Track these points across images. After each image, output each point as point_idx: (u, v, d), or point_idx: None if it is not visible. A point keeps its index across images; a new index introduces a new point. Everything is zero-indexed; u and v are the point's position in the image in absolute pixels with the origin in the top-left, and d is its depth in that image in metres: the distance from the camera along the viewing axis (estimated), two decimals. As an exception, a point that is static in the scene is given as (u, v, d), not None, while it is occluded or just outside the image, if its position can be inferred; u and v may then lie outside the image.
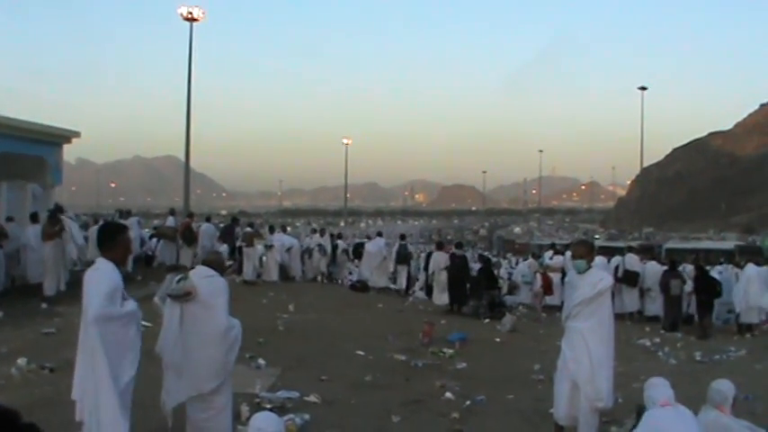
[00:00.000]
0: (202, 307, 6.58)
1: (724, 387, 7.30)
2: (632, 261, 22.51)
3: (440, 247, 24.15)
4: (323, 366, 11.45)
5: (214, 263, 7.15)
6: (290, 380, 10.11)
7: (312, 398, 9.28)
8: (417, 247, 56.45)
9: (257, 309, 16.69)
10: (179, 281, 6.72)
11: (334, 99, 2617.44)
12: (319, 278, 25.01)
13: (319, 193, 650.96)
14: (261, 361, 11.02)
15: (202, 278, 6.78)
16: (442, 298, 21.40)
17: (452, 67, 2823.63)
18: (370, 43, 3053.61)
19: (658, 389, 6.45)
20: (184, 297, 6.59)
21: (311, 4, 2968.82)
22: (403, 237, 27.35)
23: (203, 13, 42.74)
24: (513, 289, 26.41)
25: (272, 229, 26.59)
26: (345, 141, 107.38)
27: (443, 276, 21.39)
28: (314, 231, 28.38)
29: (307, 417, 8.31)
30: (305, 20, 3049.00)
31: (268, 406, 8.41)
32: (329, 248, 25.29)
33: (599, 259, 23.15)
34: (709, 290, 20.36)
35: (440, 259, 22.04)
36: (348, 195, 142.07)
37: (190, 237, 23.20)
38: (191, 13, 41.81)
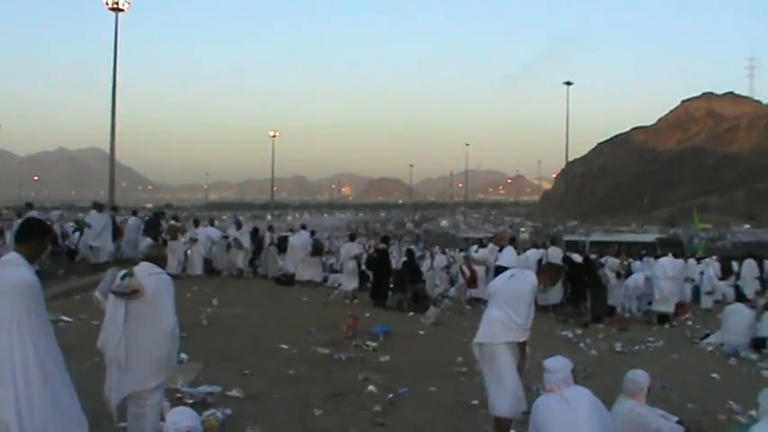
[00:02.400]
0: (148, 305, 6.50)
1: (639, 377, 7.48)
2: (555, 254, 22.85)
3: (352, 238, 26.89)
4: (246, 360, 11.40)
5: (158, 258, 7.07)
6: (213, 374, 10.03)
7: (234, 392, 9.22)
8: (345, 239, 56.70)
9: (180, 303, 16.15)
10: (123, 277, 6.59)
11: (262, 91, 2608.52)
12: (245, 272, 24.81)
13: (246, 186, 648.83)
14: (183, 356, 10.88)
15: (148, 275, 6.65)
16: (350, 284, 22.50)
17: (379, 60, 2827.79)
18: (296, 35, 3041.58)
19: (548, 375, 6.49)
20: (130, 295, 6.49)
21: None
22: (313, 232, 27.32)
23: (129, 4, 42.31)
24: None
25: (196, 223, 26.40)
26: (272, 134, 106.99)
27: (351, 265, 22.82)
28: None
29: (228, 411, 8.28)
30: (232, 12, 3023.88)
31: (189, 401, 8.35)
32: (247, 242, 24.95)
33: (532, 252, 23.56)
34: (588, 277, 21.19)
35: (349, 249, 23.80)
36: (275, 188, 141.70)
37: (114, 230, 22.92)
38: (116, 3, 41.35)
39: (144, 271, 6.72)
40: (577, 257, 23.17)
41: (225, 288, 20.63)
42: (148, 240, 22.19)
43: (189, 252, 23.47)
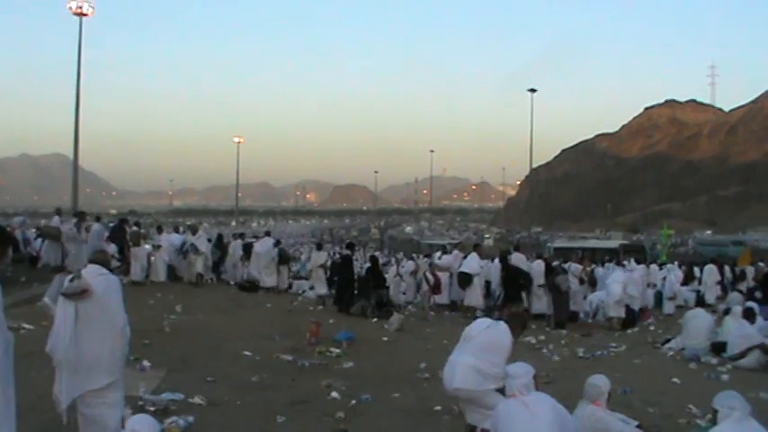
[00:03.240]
0: (97, 305, 6.60)
1: (599, 382, 7.55)
2: (519, 260, 23.01)
3: (319, 247, 28.82)
4: (209, 367, 11.38)
5: (103, 262, 7.19)
6: (175, 381, 10.00)
7: (197, 399, 9.20)
8: (310, 247, 56.74)
9: (143, 309, 16.39)
10: (72, 279, 6.70)
11: (227, 98, 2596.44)
12: (205, 277, 24.57)
13: (211, 192, 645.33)
14: (146, 363, 10.87)
15: (95, 276, 6.78)
16: (320, 289, 23.44)
17: (344, 67, 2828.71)
18: (261, 41, 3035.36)
19: (510, 380, 6.52)
20: (81, 295, 6.55)
21: (201, 3, 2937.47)
22: (278, 242, 27.25)
23: (93, 8, 42.01)
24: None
25: (159, 229, 26.29)
26: (237, 140, 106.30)
27: (320, 272, 24.07)
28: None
29: (191, 419, 8.25)
30: (196, 18, 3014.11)
31: (151, 408, 8.33)
32: (204, 246, 24.53)
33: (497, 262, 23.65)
34: (515, 281, 21.50)
35: (317, 257, 25.09)
36: (240, 195, 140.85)
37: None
38: (80, 7, 41.08)
39: (91, 273, 6.86)
40: (538, 264, 23.24)
41: (188, 295, 20.52)
42: (112, 246, 22.09)
43: (152, 259, 23.30)
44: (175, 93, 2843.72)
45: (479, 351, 7.65)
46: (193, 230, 25.66)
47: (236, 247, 26.97)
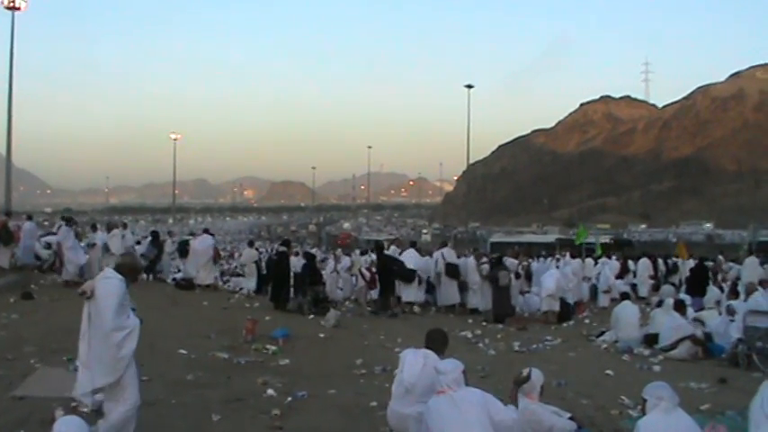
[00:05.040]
0: (96, 307, 6.93)
1: (532, 376, 7.60)
2: (451, 254, 23.19)
3: (251, 244, 30.26)
4: (143, 366, 11.19)
5: (122, 265, 7.39)
6: (109, 382, 9.84)
7: (131, 399, 9.08)
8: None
9: (77, 309, 16.13)
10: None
11: (163, 94, 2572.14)
12: (144, 276, 24.25)
13: (148, 189, 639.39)
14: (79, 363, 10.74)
15: (100, 279, 7.13)
16: (250, 285, 24.56)
17: (281, 63, 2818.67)
18: (197, 37, 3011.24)
19: (440, 377, 6.53)
20: (82, 296, 7.01)
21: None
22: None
23: (25, 2, 41.19)
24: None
25: (94, 227, 25.86)
26: (174, 137, 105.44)
27: (252, 269, 25.30)
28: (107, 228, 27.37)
29: (124, 419, 8.15)
30: (132, 13, 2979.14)
31: (84, 409, 8.21)
32: (117, 246, 23.90)
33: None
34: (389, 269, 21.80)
35: (249, 254, 26.79)
36: (177, 192, 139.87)
37: (6, 236, 22.38)
38: (12, 1, 40.24)
39: (100, 275, 7.29)
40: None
41: (123, 293, 20.24)
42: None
43: (88, 257, 22.94)
44: (112, 89, 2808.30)
45: (426, 396, 7.11)
46: (109, 228, 25.29)
47: (171, 245, 26.79)
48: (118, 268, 7.29)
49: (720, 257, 35.52)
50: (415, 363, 7.63)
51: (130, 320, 7.10)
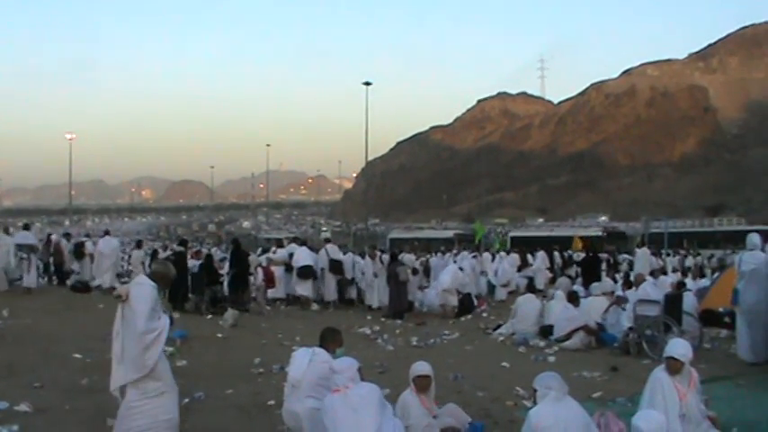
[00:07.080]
0: (129, 310, 7.23)
1: (421, 369, 7.73)
2: (334, 250, 23.40)
3: (139, 245, 31.38)
4: (36, 373, 11.04)
5: (155, 274, 7.73)
6: (0, 390, 9.67)
7: (23, 407, 8.93)
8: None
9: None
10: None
11: (57, 93, 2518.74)
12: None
13: (43, 191, 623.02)
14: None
15: (135, 284, 7.48)
16: None
17: (177, 61, 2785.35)
18: (90, 36, 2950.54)
19: (335, 376, 6.59)
20: (117, 299, 7.37)
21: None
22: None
23: None
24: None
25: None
26: (69, 137, 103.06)
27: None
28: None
29: (15, 428, 8.08)
30: (18, 13, 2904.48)
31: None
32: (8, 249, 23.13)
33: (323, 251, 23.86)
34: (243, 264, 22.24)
35: (137, 255, 27.76)
36: (73, 193, 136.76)
37: None
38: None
39: (134, 281, 7.74)
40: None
41: (16, 298, 19.83)
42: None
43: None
44: (3, 89, 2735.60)
45: (314, 390, 7.32)
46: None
47: (66, 247, 26.21)
48: (151, 275, 7.67)
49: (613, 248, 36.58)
50: (302, 359, 7.72)
51: (160, 322, 7.39)
